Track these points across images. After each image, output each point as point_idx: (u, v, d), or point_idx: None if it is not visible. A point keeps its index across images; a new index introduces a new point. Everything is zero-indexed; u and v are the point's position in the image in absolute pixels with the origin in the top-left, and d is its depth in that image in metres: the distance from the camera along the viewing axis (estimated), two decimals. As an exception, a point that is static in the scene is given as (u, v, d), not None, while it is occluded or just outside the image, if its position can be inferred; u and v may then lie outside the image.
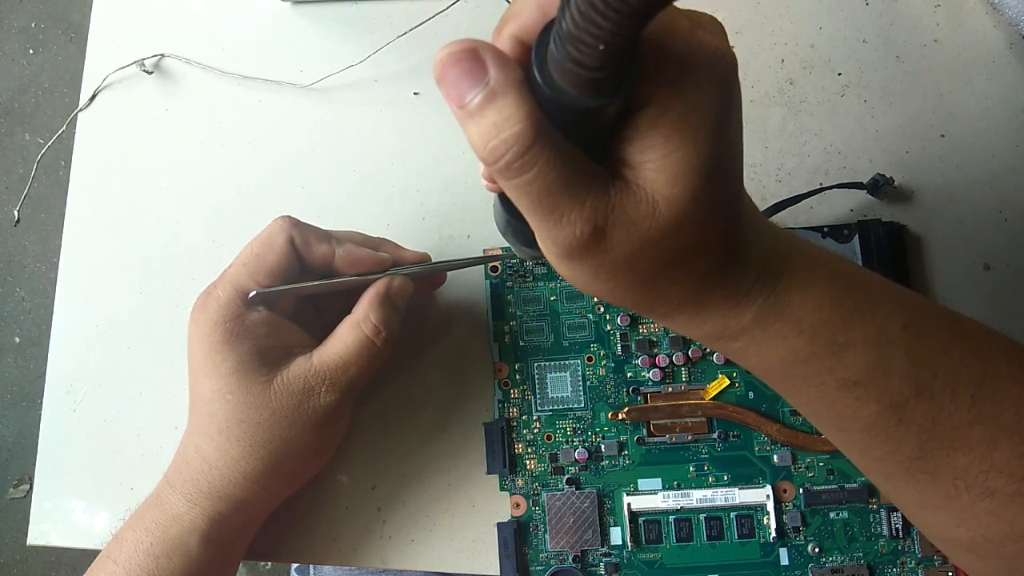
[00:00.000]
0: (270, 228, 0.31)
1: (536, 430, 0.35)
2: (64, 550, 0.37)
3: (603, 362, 0.35)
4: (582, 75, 0.17)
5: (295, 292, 0.31)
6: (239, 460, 0.30)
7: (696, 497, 0.34)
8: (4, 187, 1.18)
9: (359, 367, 0.31)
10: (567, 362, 0.35)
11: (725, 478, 0.34)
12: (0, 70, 1.21)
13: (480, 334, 0.36)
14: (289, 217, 0.31)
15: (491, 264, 0.36)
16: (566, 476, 0.35)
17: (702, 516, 0.34)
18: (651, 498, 0.34)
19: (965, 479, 0.23)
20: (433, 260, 0.34)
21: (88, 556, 0.33)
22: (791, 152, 0.37)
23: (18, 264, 1.16)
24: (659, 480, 0.34)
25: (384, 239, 0.34)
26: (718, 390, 0.35)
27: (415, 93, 0.39)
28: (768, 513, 0.34)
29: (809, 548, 0.34)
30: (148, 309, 0.38)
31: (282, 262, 0.30)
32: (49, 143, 0.41)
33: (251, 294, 0.30)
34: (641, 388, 0.35)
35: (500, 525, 0.34)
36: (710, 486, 0.34)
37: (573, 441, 0.35)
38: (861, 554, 0.34)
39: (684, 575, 0.34)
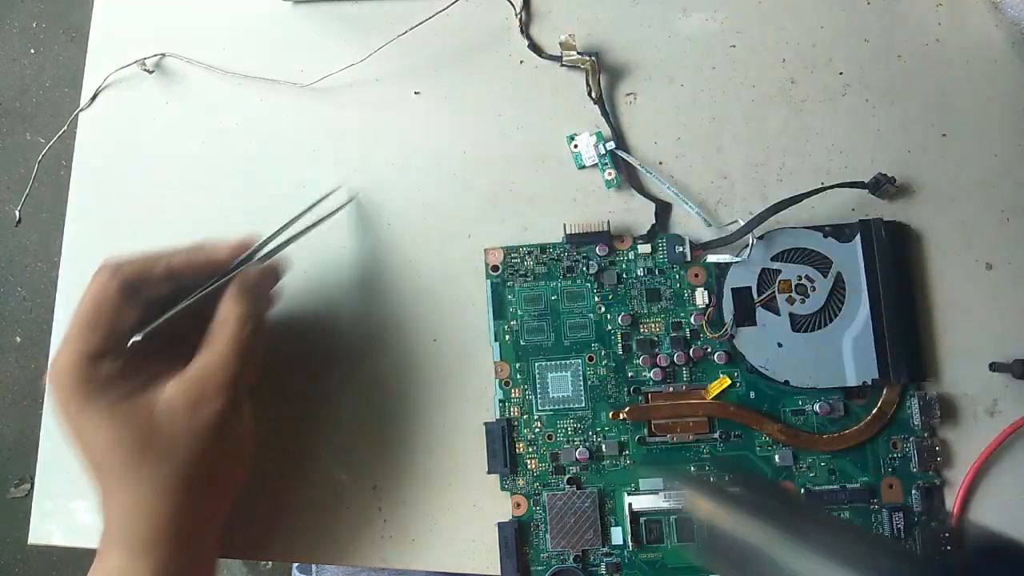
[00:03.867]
0: (96, 282, 0.30)
1: (537, 430, 0.35)
2: (65, 550, 0.37)
3: (604, 362, 0.35)
4: None
5: (168, 321, 0.31)
6: (159, 500, 0.29)
7: (697, 497, 0.34)
8: (6, 187, 1.18)
9: (236, 365, 0.30)
10: (568, 362, 0.35)
11: (726, 478, 0.34)
12: (1, 70, 1.21)
13: (480, 334, 0.36)
14: (111, 261, 0.31)
15: (492, 264, 0.36)
16: (567, 476, 0.34)
17: (703, 516, 0.34)
18: (652, 498, 0.34)
19: None
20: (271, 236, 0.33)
21: (89, 556, 0.32)
22: (792, 151, 0.37)
23: (19, 263, 1.16)
24: (660, 480, 0.34)
25: (205, 240, 0.33)
26: (719, 390, 0.35)
27: (415, 93, 0.39)
28: (769, 513, 0.34)
29: (810, 548, 0.34)
30: (149, 309, 0.38)
31: (123, 309, 0.30)
32: (51, 143, 0.41)
33: (131, 341, 0.30)
34: (642, 388, 0.35)
35: (501, 525, 0.34)
36: (711, 486, 0.34)
37: (574, 441, 0.35)
38: (862, 554, 0.33)
39: (685, 575, 0.34)
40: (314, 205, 0.35)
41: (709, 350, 0.35)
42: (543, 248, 0.36)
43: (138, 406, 0.29)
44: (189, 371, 0.30)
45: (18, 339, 1.15)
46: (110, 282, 0.30)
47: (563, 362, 0.35)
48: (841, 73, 0.38)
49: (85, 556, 0.33)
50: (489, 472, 0.35)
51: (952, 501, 0.34)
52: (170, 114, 0.39)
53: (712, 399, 0.35)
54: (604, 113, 0.37)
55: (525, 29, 0.38)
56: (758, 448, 0.34)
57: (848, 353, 0.34)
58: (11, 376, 1.14)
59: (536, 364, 0.35)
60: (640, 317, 0.35)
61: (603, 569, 0.34)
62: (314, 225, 0.34)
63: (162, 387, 0.30)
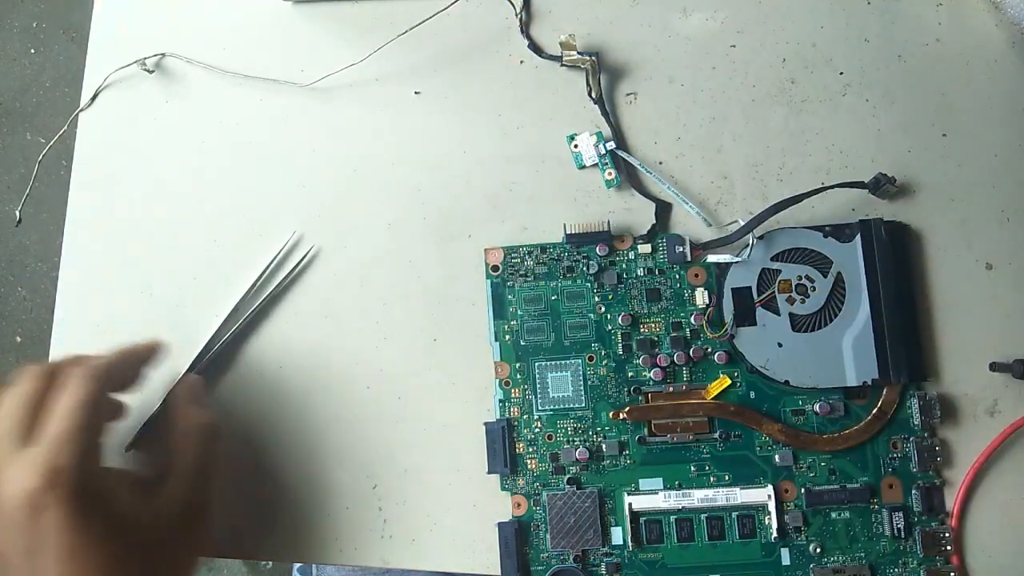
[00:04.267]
0: (75, 390, 0.29)
1: (537, 430, 0.35)
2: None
3: (604, 362, 0.35)
4: None
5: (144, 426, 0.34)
6: None
7: (697, 497, 0.34)
8: (6, 187, 1.18)
9: (211, 465, 0.32)
10: (568, 362, 0.35)
11: (726, 478, 0.34)
12: (2, 69, 1.21)
13: (480, 334, 0.36)
14: (87, 375, 0.30)
15: (492, 264, 0.36)
16: (567, 476, 0.34)
17: (703, 516, 0.34)
18: (652, 498, 0.34)
19: None
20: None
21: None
22: (793, 151, 0.37)
23: (19, 263, 1.16)
24: (660, 480, 0.34)
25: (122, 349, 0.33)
26: (719, 390, 0.35)
27: (416, 93, 0.39)
28: (769, 513, 0.34)
29: (811, 548, 0.34)
30: (148, 309, 0.38)
31: (105, 412, 0.31)
32: (51, 143, 0.41)
33: (127, 445, 0.31)
34: (642, 388, 0.35)
35: (501, 525, 0.34)
36: (711, 486, 0.34)
37: (574, 441, 0.35)
38: (863, 554, 0.34)
39: (685, 575, 0.34)
40: (269, 266, 0.37)
41: (709, 350, 0.35)
42: (543, 248, 0.36)
43: (139, 514, 0.29)
44: (177, 477, 0.31)
45: (18, 339, 1.15)
46: (92, 385, 0.29)
47: (563, 362, 0.35)
48: (841, 73, 0.38)
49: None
50: (489, 472, 0.35)
51: (952, 501, 0.34)
52: (170, 114, 0.39)
53: (712, 399, 0.35)
54: (604, 113, 0.37)
55: (525, 29, 0.38)
56: (758, 448, 0.34)
57: (848, 353, 0.34)
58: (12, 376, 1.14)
59: (536, 364, 0.35)
60: (640, 317, 0.35)
61: (603, 569, 0.34)
62: (280, 284, 0.37)
63: (154, 493, 0.30)
